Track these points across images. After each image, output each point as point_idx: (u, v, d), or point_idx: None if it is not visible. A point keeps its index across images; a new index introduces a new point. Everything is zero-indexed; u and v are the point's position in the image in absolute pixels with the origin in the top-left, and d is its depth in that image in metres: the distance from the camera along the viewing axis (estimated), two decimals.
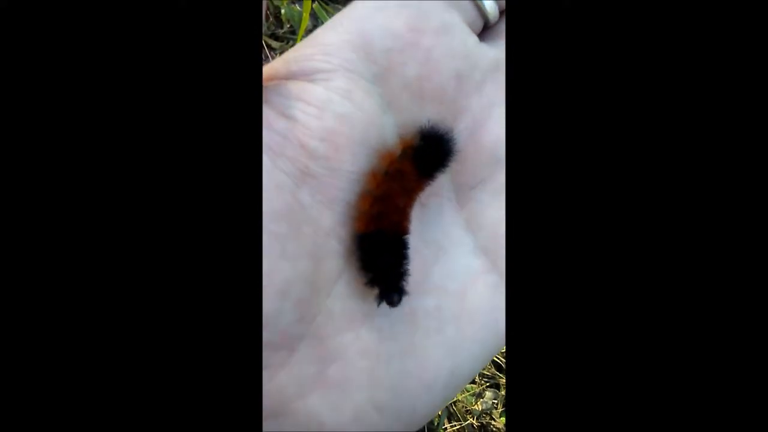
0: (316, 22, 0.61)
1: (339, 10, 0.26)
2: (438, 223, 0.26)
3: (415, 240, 0.25)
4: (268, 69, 0.23)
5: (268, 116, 0.22)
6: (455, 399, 0.73)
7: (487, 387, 0.75)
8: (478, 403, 0.74)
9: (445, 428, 0.72)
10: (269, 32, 0.62)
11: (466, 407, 0.74)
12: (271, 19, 0.62)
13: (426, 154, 0.23)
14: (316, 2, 0.61)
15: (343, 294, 0.23)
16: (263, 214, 0.21)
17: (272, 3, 0.62)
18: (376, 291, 0.23)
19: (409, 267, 0.24)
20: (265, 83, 0.23)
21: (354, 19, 0.23)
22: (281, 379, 0.22)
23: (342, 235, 0.23)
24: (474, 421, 0.73)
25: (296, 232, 0.22)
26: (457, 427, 0.72)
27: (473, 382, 0.75)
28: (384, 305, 0.23)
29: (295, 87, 0.23)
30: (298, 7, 0.61)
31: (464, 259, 0.26)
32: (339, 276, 0.23)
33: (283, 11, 0.61)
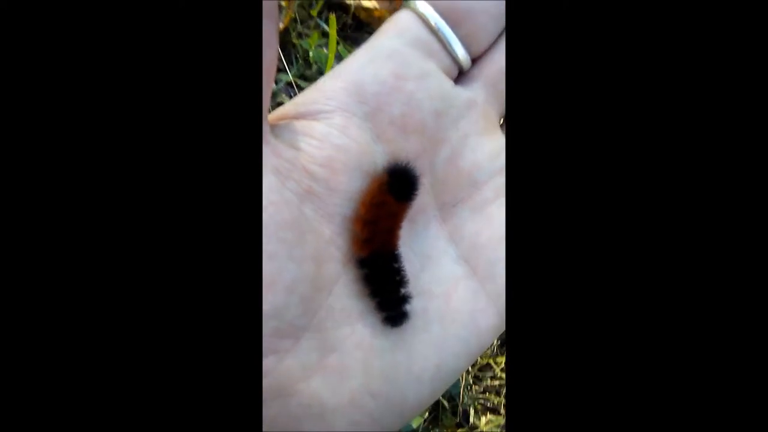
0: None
1: None
2: (425, 236, 0.30)
3: (405, 250, 0.29)
4: (280, 110, 0.29)
5: (279, 147, 0.27)
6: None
7: None
8: None
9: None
10: (299, 74, 0.68)
11: None
12: (300, 61, 0.68)
13: (397, 186, 0.28)
14: (341, 45, 0.68)
15: (342, 294, 0.28)
16: (275, 224, 0.25)
17: (302, 47, 0.69)
18: (383, 315, 0.28)
19: (407, 290, 0.28)
20: (277, 122, 0.28)
21: (350, 70, 0.29)
22: (288, 363, 0.26)
23: (340, 243, 0.28)
24: None
25: (301, 239, 0.26)
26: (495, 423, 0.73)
27: None
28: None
29: (301, 124, 0.28)
30: (324, 50, 0.68)
31: (448, 267, 0.30)
32: (338, 278, 0.28)
33: (311, 54, 0.68)
